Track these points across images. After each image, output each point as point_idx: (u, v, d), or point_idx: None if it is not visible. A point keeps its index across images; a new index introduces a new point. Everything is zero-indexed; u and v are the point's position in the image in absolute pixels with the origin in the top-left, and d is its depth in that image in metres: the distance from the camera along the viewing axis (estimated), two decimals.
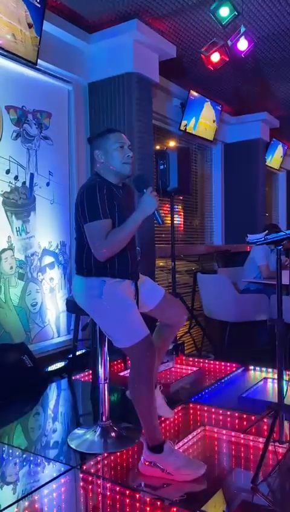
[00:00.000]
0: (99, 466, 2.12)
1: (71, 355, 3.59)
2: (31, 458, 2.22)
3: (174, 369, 3.64)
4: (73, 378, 3.43)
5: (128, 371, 2.14)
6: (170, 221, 4.31)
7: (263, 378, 3.36)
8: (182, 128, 5.52)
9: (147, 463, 2.01)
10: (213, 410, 2.70)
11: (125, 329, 2.02)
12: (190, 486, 1.93)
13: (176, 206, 5.78)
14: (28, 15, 3.33)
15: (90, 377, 3.33)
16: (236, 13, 3.44)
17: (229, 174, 6.84)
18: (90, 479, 2.01)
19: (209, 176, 6.81)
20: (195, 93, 5.47)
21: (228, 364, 3.63)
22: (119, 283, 2.10)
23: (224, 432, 2.45)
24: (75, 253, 2.21)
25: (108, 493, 1.91)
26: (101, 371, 2.38)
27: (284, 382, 2.23)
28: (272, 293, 4.18)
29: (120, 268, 2.11)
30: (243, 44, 3.70)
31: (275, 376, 2.67)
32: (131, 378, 2.04)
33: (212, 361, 3.73)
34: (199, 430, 2.48)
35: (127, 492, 1.88)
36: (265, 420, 2.37)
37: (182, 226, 6.15)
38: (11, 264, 3.56)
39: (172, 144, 5.59)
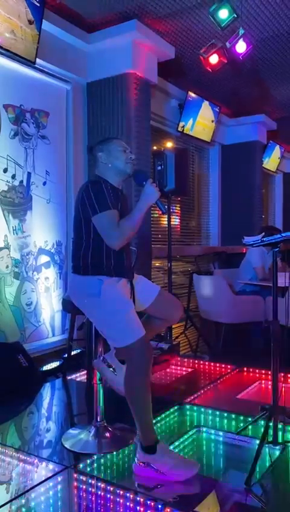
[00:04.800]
0: (93, 466, 2.11)
1: (66, 355, 3.58)
2: (25, 458, 2.21)
3: (169, 370, 3.64)
4: (68, 378, 3.42)
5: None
6: (166, 222, 4.31)
7: (257, 379, 3.37)
8: (180, 129, 5.53)
9: (141, 463, 2.01)
10: (208, 411, 2.70)
11: (122, 328, 2.02)
12: (183, 486, 1.93)
13: (173, 207, 5.79)
14: (29, 11, 3.33)
15: (85, 377, 3.33)
16: (235, 15, 3.46)
17: (226, 175, 6.85)
18: (84, 479, 2.01)
19: (207, 177, 6.82)
20: (193, 95, 5.48)
21: (223, 365, 3.63)
22: (117, 282, 2.11)
23: (218, 432, 2.46)
24: (72, 252, 2.21)
25: (102, 493, 1.90)
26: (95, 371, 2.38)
27: (279, 384, 2.24)
28: (267, 294, 4.19)
29: (117, 267, 2.12)
30: (241, 47, 3.72)
31: (270, 377, 2.68)
32: (126, 378, 2.04)
33: (207, 363, 3.73)
34: (194, 431, 2.48)
35: (121, 492, 1.88)
36: (259, 421, 2.38)
37: (179, 226, 6.16)
38: (7, 263, 3.55)
39: (169, 144, 5.60)
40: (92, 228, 2.09)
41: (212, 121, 6.01)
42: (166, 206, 2.60)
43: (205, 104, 5.75)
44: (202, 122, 5.84)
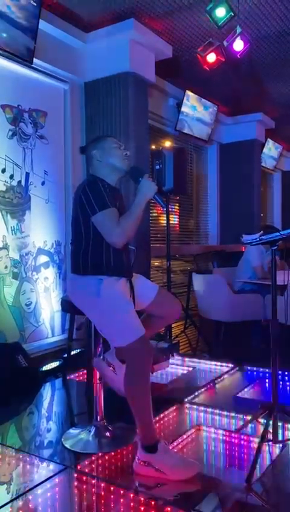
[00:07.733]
0: (93, 466, 2.11)
1: (66, 355, 3.58)
2: (25, 458, 2.21)
3: (169, 369, 3.64)
4: (68, 377, 3.42)
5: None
6: (165, 221, 4.31)
7: (257, 377, 3.37)
8: (178, 128, 5.53)
9: (141, 462, 2.01)
10: (208, 409, 2.70)
11: (121, 328, 2.02)
12: (184, 485, 1.93)
13: (172, 206, 5.79)
14: None
15: (85, 376, 3.33)
16: (232, 14, 3.45)
17: (224, 174, 6.86)
18: (84, 478, 2.01)
19: (205, 176, 6.82)
20: (191, 94, 5.48)
21: (223, 364, 3.63)
22: (116, 281, 2.11)
23: (218, 431, 2.46)
24: (71, 252, 2.21)
25: (102, 493, 1.91)
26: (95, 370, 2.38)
27: (278, 382, 2.24)
28: (266, 293, 4.19)
29: (116, 266, 2.12)
30: (238, 45, 3.71)
31: (269, 376, 2.68)
32: (126, 377, 2.04)
33: (207, 361, 3.73)
34: (194, 430, 2.48)
35: (122, 492, 1.88)
36: (259, 420, 2.38)
37: (177, 225, 6.16)
38: (6, 263, 3.55)
39: (168, 144, 5.60)
40: (91, 228, 2.08)
41: (210, 120, 6.00)
42: (164, 199, 2.59)
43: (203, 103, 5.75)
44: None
